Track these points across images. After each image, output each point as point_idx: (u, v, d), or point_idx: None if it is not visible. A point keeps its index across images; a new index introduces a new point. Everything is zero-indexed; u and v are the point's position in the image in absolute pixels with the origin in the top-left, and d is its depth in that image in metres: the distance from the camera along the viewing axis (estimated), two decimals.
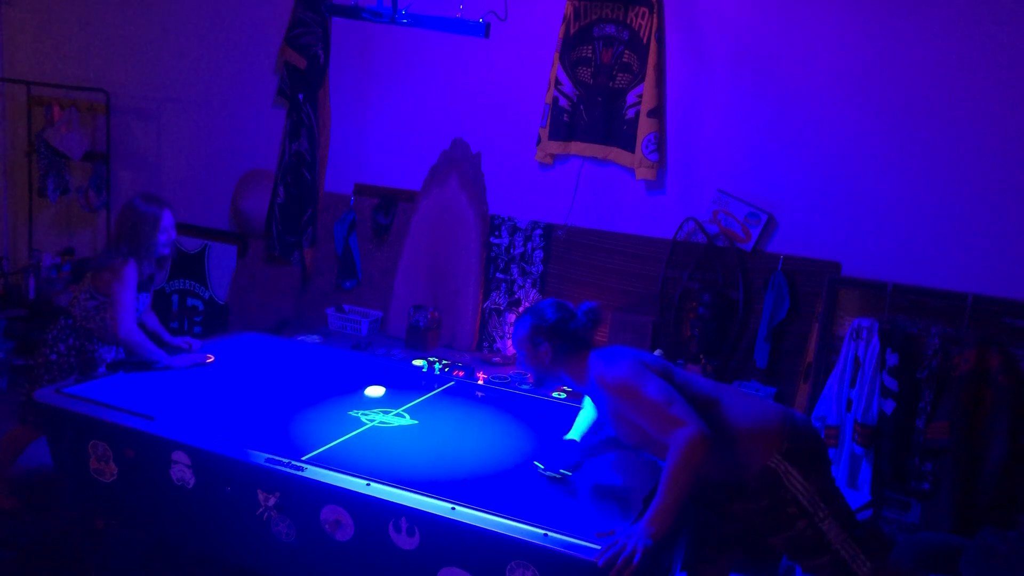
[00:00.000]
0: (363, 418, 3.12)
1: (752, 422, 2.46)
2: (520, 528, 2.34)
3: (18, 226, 6.09)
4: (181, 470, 2.80)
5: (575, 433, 2.86)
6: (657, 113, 4.14)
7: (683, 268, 4.17)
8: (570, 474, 2.70)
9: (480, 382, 3.71)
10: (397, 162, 4.87)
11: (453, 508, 2.43)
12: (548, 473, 2.70)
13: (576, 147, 4.37)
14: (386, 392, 3.32)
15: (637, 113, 4.17)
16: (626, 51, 4.21)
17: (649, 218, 4.29)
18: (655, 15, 4.10)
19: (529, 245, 4.52)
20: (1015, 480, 3.45)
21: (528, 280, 4.53)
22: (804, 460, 2.41)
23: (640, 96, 4.16)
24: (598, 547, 2.25)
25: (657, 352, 2.79)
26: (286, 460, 2.66)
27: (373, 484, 2.55)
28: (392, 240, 4.84)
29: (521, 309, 2.72)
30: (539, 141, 4.42)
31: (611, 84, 4.25)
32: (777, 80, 4.00)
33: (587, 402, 2.94)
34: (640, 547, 2.22)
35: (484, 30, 3.55)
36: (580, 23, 4.29)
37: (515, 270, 4.56)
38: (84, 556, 3.45)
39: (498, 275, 4.60)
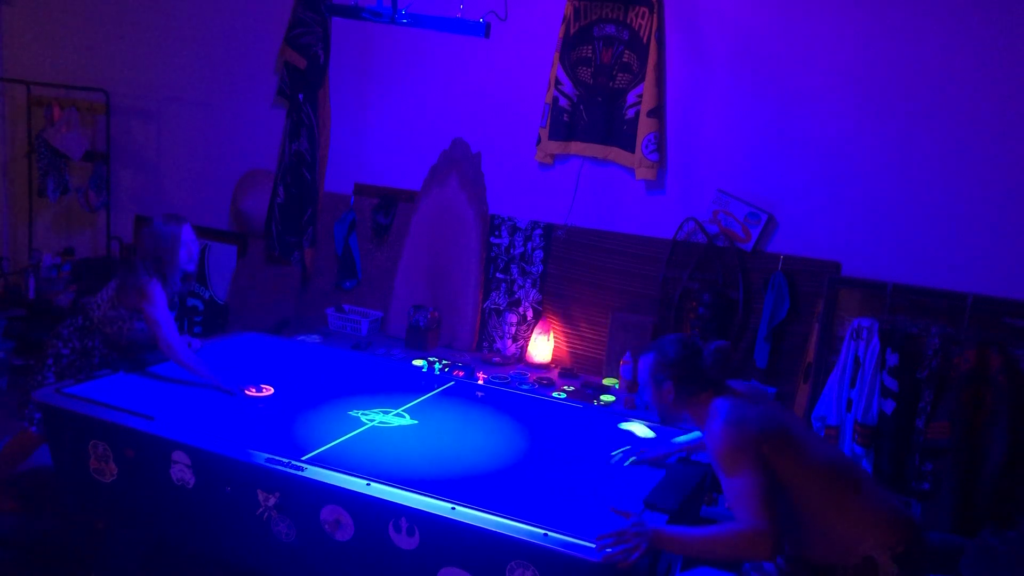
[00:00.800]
0: (363, 418, 3.12)
1: (876, 506, 2.34)
2: (520, 528, 2.34)
3: (18, 226, 6.09)
4: (181, 470, 2.80)
5: (682, 439, 2.90)
6: (657, 113, 4.14)
7: (683, 268, 4.17)
8: (634, 459, 2.85)
9: (480, 382, 3.71)
10: (397, 162, 4.87)
11: (453, 508, 2.43)
12: (617, 454, 2.85)
13: (576, 147, 4.37)
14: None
15: (637, 113, 4.17)
16: (626, 51, 4.21)
17: (649, 218, 4.29)
18: (655, 15, 4.10)
19: (529, 245, 4.52)
20: (1015, 480, 3.45)
21: (528, 280, 4.53)
22: (911, 569, 2.27)
23: (640, 96, 4.16)
24: (599, 547, 2.25)
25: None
26: (286, 460, 2.66)
27: (373, 484, 2.55)
28: (392, 240, 4.84)
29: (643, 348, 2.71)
30: (539, 141, 4.42)
31: (611, 84, 4.25)
32: (777, 80, 4.00)
33: None
34: (644, 547, 2.22)
35: (484, 30, 3.55)
36: (580, 23, 4.29)
37: (515, 270, 4.56)
38: (84, 556, 3.45)
39: (498, 275, 4.60)
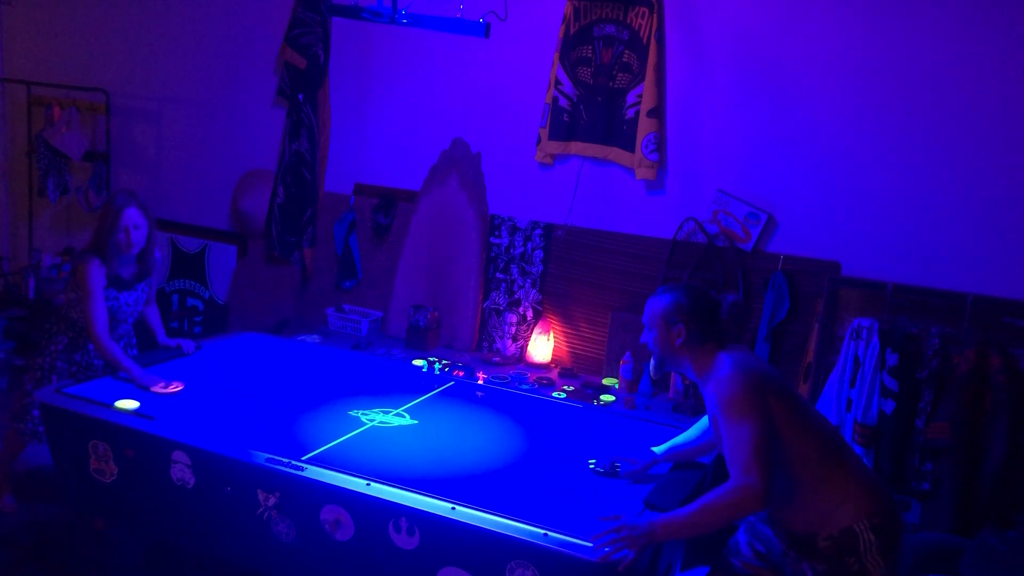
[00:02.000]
0: (363, 418, 3.12)
1: (858, 479, 2.36)
2: (520, 528, 2.34)
3: (18, 226, 6.09)
4: (181, 470, 2.80)
5: (661, 447, 2.83)
6: (657, 113, 4.14)
7: (683, 268, 4.17)
8: (618, 469, 2.79)
9: (480, 382, 3.71)
10: (397, 162, 4.87)
11: (453, 508, 2.43)
12: (599, 469, 2.77)
13: (576, 147, 4.37)
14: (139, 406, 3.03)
15: (637, 113, 4.17)
16: (626, 51, 4.21)
17: (649, 218, 4.29)
18: (655, 15, 4.10)
19: (529, 245, 4.52)
20: (1015, 480, 3.45)
21: (528, 280, 4.53)
22: (887, 539, 2.30)
23: (640, 96, 4.16)
24: (595, 547, 2.26)
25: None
26: (286, 460, 2.67)
27: (373, 484, 2.55)
28: (392, 240, 4.84)
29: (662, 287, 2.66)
30: (539, 141, 4.42)
31: (611, 84, 4.25)
32: (777, 80, 4.00)
33: (693, 427, 2.87)
34: (640, 544, 2.22)
35: (484, 30, 3.55)
36: (580, 23, 4.29)
37: (515, 270, 4.56)
38: (84, 556, 3.45)
39: (498, 275, 4.60)
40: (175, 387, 3.26)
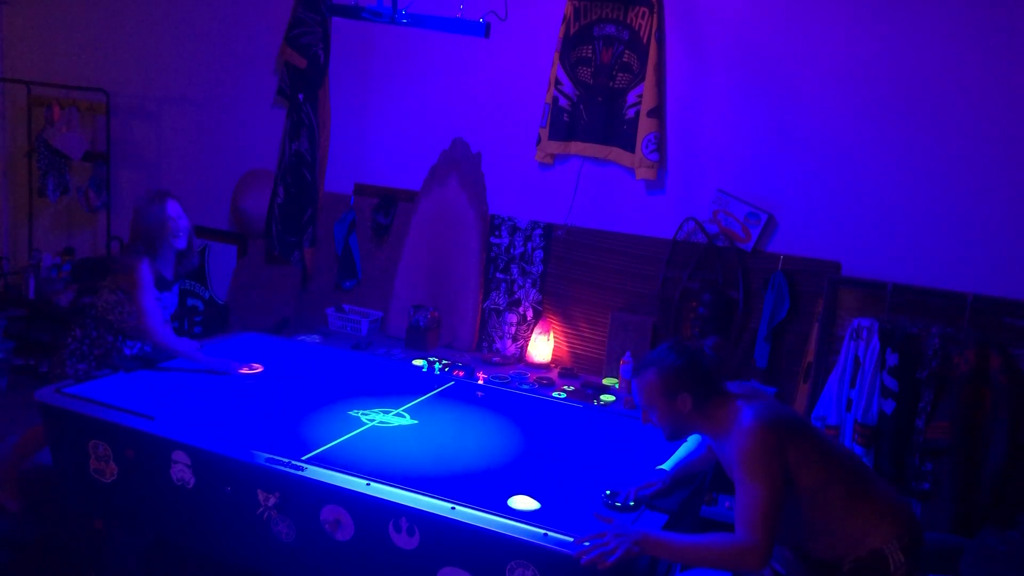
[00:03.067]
0: (363, 418, 3.12)
1: (884, 501, 2.35)
2: (520, 528, 2.34)
3: (18, 226, 6.09)
4: (181, 470, 2.80)
5: (669, 463, 2.73)
6: (657, 113, 4.14)
7: (683, 268, 4.17)
8: (633, 506, 2.54)
9: (480, 382, 3.71)
10: (397, 162, 4.87)
11: (453, 508, 2.43)
12: (617, 504, 2.54)
13: (576, 147, 4.37)
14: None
15: (637, 113, 4.17)
16: (626, 51, 4.21)
17: (649, 218, 4.29)
18: (655, 15, 4.10)
19: (529, 245, 4.52)
20: (1015, 480, 3.45)
21: (528, 280, 4.53)
22: (914, 559, 2.30)
23: (640, 96, 4.15)
24: (575, 552, 2.25)
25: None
26: (286, 460, 2.67)
27: (373, 484, 2.55)
28: (392, 240, 4.84)
29: (633, 362, 2.42)
30: (539, 141, 4.42)
31: (611, 84, 4.25)
32: (777, 80, 4.00)
33: (693, 437, 2.76)
34: (623, 549, 2.20)
35: (484, 30, 3.55)
36: (580, 23, 4.29)
37: (515, 270, 4.56)
38: (84, 556, 3.45)
39: (498, 275, 4.60)
40: (256, 368, 3.47)
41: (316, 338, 4.43)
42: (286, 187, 4.75)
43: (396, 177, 4.87)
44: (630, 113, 4.20)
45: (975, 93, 3.68)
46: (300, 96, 4.69)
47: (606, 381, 4.15)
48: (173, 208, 3.52)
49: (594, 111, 4.30)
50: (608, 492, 2.60)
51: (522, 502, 2.52)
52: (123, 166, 5.69)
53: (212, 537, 2.89)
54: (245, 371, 3.45)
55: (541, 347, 4.41)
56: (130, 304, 3.46)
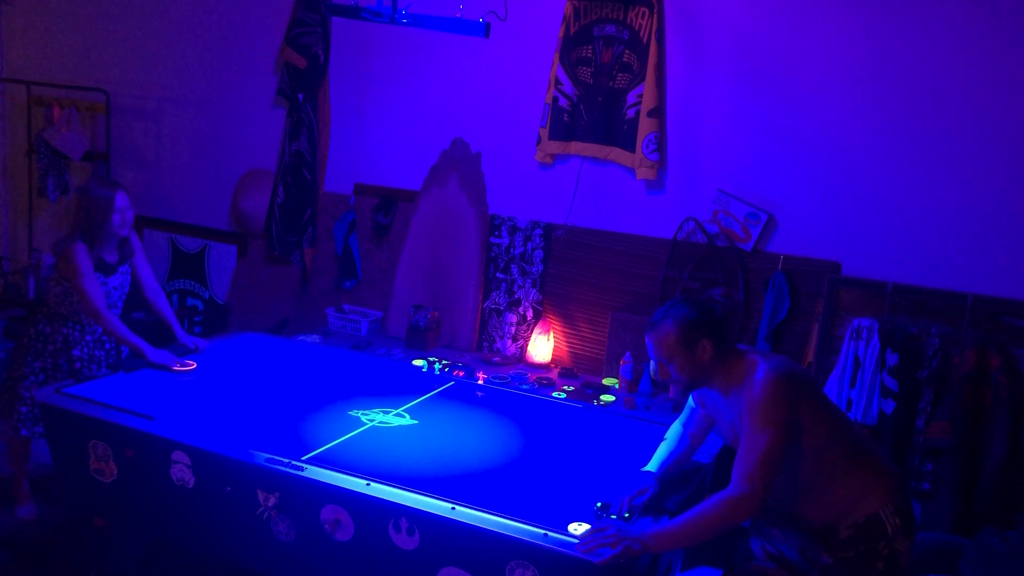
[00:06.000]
0: (363, 418, 3.12)
1: (879, 466, 2.38)
2: (520, 528, 2.34)
3: (18, 226, 6.09)
4: (181, 470, 2.80)
5: (653, 464, 2.71)
6: (657, 113, 4.14)
7: (683, 268, 4.17)
8: (628, 517, 2.50)
9: (480, 382, 3.71)
10: (397, 162, 4.87)
11: (453, 508, 2.44)
12: (612, 516, 2.49)
13: (576, 147, 4.37)
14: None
15: (637, 113, 4.17)
16: (626, 51, 4.21)
17: (649, 218, 4.29)
18: (655, 15, 4.10)
19: (529, 245, 4.52)
20: (1015, 480, 3.45)
21: (528, 280, 4.53)
22: (908, 519, 2.34)
23: (640, 96, 4.15)
24: (577, 546, 2.25)
25: None
26: (286, 460, 2.67)
27: (373, 484, 2.55)
28: (392, 240, 4.84)
29: (657, 313, 2.46)
30: (539, 141, 4.42)
31: (611, 84, 4.25)
32: (777, 80, 4.00)
33: (670, 432, 2.80)
34: (623, 545, 2.20)
35: (484, 30, 3.55)
36: (580, 23, 4.29)
37: (515, 270, 4.56)
38: (84, 556, 3.45)
39: (498, 275, 4.60)
40: (189, 366, 3.41)
41: (316, 338, 4.43)
42: (286, 187, 4.75)
43: (396, 177, 4.87)
44: (630, 113, 4.20)
45: (975, 93, 3.68)
46: (300, 96, 4.69)
47: (606, 381, 4.15)
48: (122, 200, 3.52)
49: (594, 111, 4.30)
50: (599, 504, 2.55)
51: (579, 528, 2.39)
52: (123, 166, 5.69)
53: (212, 537, 2.89)
54: (177, 368, 3.44)
55: (541, 347, 4.41)
56: (75, 295, 3.47)
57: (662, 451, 2.75)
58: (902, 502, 2.35)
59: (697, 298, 2.49)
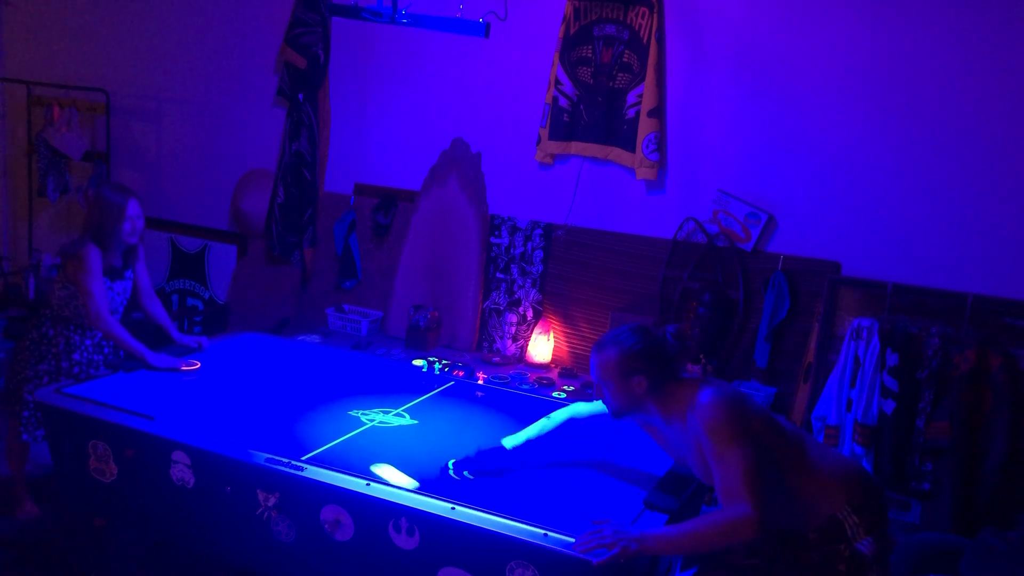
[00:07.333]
0: (363, 418, 3.12)
1: (832, 467, 2.39)
2: (520, 528, 2.34)
3: (18, 226, 6.09)
4: (181, 470, 2.80)
5: (513, 440, 2.77)
6: (657, 113, 4.14)
7: (683, 268, 4.17)
8: (471, 478, 2.64)
9: (480, 382, 3.71)
10: (397, 162, 4.87)
11: (453, 508, 2.43)
12: (452, 475, 2.66)
13: (576, 147, 4.37)
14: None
15: (637, 113, 4.17)
16: (626, 51, 4.21)
17: (649, 218, 4.29)
18: (655, 15, 4.10)
19: (529, 245, 4.52)
20: (1015, 480, 3.45)
21: (528, 280, 4.53)
22: (869, 515, 2.34)
23: (640, 96, 4.15)
24: (575, 546, 2.25)
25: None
26: (286, 460, 2.67)
27: (373, 484, 2.55)
28: (392, 240, 4.84)
29: (600, 339, 2.54)
30: (539, 141, 4.42)
31: (611, 84, 4.25)
32: (777, 80, 4.00)
33: (557, 416, 2.85)
34: (621, 546, 2.20)
35: (484, 30, 3.55)
36: (580, 23, 4.29)
37: (515, 270, 4.56)
38: (84, 556, 3.45)
39: (498, 275, 4.60)
40: (194, 365, 3.43)
41: (316, 338, 4.43)
42: (286, 187, 4.75)
43: (396, 177, 4.87)
44: (630, 113, 4.20)
45: (975, 93, 3.68)
46: (300, 96, 4.69)
47: None
48: (134, 208, 3.53)
49: (594, 111, 4.30)
50: (451, 461, 2.70)
51: (390, 472, 2.57)
52: (123, 166, 5.69)
53: (212, 537, 2.89)
54: (184, 367, 3.45)
55: (541, 347, 4.41)
56: (81, 298, 3.46)
57: (528, 432, 2.80)
58: (862, 500, 2.33)
59: (651, 331, 2.50)
